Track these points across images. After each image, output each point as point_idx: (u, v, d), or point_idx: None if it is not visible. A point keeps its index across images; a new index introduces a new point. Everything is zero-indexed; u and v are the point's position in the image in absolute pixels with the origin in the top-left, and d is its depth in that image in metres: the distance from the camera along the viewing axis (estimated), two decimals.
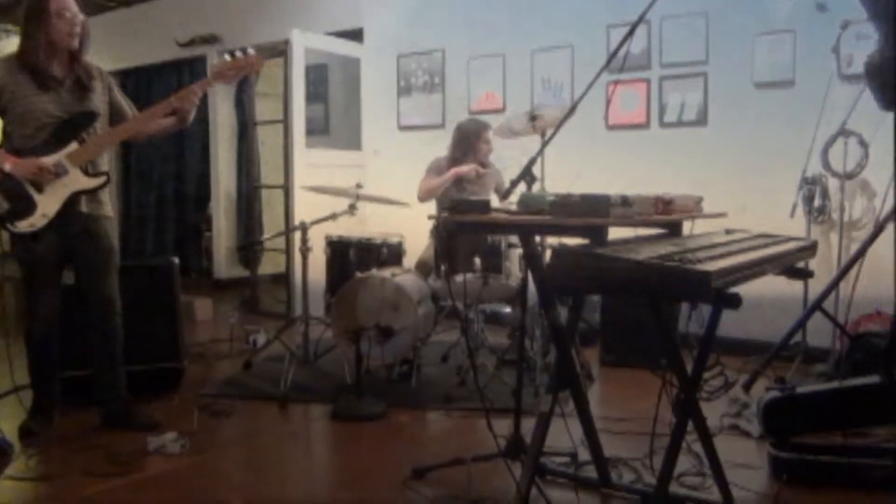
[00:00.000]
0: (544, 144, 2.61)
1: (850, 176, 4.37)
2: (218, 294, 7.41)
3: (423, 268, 4.50)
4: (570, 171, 4.10)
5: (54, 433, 3.31)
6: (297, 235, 4.42)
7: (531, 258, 2.19)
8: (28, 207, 3.11)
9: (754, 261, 1.98)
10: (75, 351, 3.48)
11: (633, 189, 2.46)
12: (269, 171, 6.76)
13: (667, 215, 2.44)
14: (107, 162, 3.38)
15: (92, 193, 3.25)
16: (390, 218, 4.72)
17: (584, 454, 2.87)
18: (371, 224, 4.63)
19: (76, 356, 3.49)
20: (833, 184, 4.45)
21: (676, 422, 2.21)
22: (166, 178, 8.18)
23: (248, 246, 6.01)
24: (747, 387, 3.96)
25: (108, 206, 3.38)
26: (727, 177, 4.73)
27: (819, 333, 4.33)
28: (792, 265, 2.47)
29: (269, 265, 7.16)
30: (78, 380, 3.55)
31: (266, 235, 6.03)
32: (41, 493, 2.79)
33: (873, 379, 3.01)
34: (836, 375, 3.78)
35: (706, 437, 2.49)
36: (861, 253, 3.88)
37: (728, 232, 2.67)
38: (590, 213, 2.02)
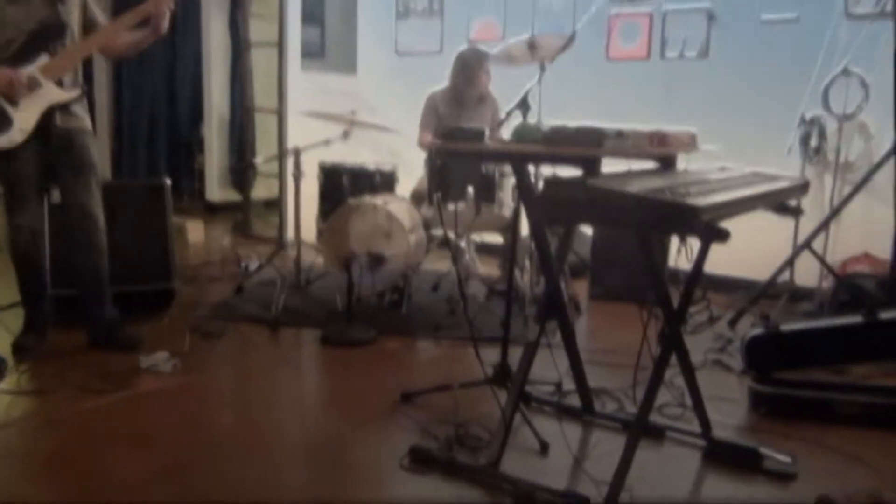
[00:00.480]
0: (542, 73, 2.57)
1: (848, 117, 4.34)
2: (210, 217, 7.40)
3: (416, 198, 4.50)
4: (567, 103, 4.05)
5: (47, 350, 3.35)
6: (290, 160, 4.39)
7: (523, 188, 2.19)
8: (4, 123, 3.07)
9: (746, 197, 1.98)
10: (63, 270, 3.49)
11: (630, 122, 2.44)
12: (262, 95, 6.65)
13: (661, 147, 2.43)
14: (81, 75, 3.31)
15: (68, 107, 3.20)
16: (385, 145, 4.68)
17: (569, 384, 2.94)
18: (365, 151, 4.58)
19: (68, 274, 3.52)
20: (831, 124, 4.42)
21: (660, 354, 2.24)
22: (158, 99, 8.04)
23: (241, 168, 5.96)
24: (732, 323, 4.03)
25: (87, 119, 3.32)
26: (725, 113, 4.67)
27: (807, 273, 4.37)
28: (783, 202, 2.47)
29: (262, 190, 7.13)
30: (71, 298, 3.58)
31: (259, 159, 5.97)
32: (36, 407, 2.84)
33: (856, 319, 3.06)
34: (820, 315, 3.84)
35: (688, 369, 2.55)
36: (853, 194, 3.90)
37: (722, 169, 2.66)
38: (583, 144, 2.01)
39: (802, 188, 2.57)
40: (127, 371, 3.15)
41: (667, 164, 2.46)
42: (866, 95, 4.26)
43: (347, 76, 6.41)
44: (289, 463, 2.48)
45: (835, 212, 4.00)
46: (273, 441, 2.64)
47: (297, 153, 4.24)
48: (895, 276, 3.86)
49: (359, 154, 4.50)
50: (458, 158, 3.88)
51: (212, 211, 7.75)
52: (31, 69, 3.08)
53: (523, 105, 2.91)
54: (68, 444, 2.54)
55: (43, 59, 3.10)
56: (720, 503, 2.31)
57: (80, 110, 3.28)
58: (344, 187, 4.39)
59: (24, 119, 3.09)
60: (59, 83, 3.16)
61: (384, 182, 4.45)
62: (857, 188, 3.91)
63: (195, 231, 6.14)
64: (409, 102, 4.68)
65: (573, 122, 2.17)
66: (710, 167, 2.68)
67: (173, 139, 8.11)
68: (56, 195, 3.36)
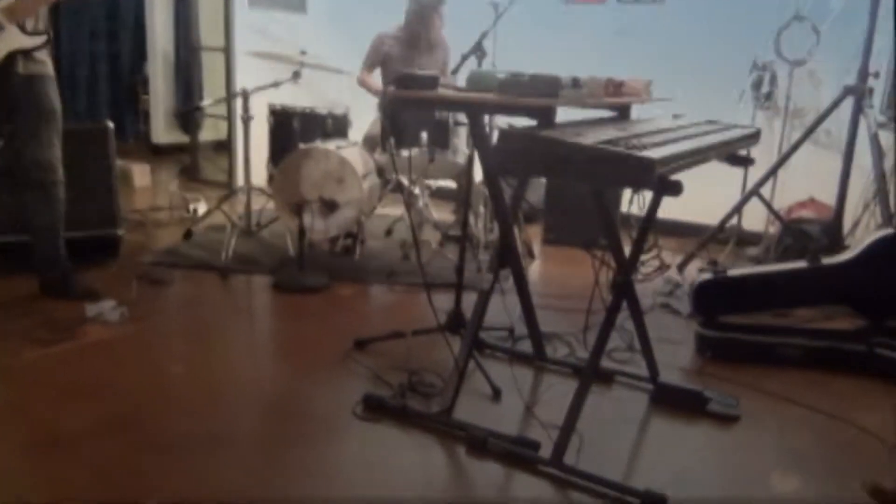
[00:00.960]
0: (498, 17, 2.52)
1: (799, 63, 4.37)
2: (156, 160, 7.17)
3: (369, 142, 4.43)
4: (524, 47, 4.00)
5: None
6: (239, 103, 4.26)
7: (478, 138, 2.16)
8: None
9: (698, 148, 1.99)
10: (9, 216, 3.38)
11: (586, 66, 2.41)
12: (209, 33, 6.41)
13: (617, 96, 2.42)
14: (45, 19, 3.13)
15: (30, 53, 3.05)
16: (336, 87, 4.57)
17: (521, 329, 2.97)
18: (317, 93, 4.46)
19: (10, 221, 3.41)
20: (782, 70, 4.45)
21: (612, 301, 2.27)
22: (99, 37, 7.66)
23: (188, 112, 5.77)
24: (681, 267, 4.11)
25: (49, 65, 3.17)
26: (680, 57, 4.68)
27: (755, 218, 4.46)
28: (735, 152, 2.49)
29: (210, 131, 6.92)
30: (12, 245, 3.47)
31: (206, 101, 5.78)
32: None
33: (801, 264, 3.14)
34: (766, 260, 3.93)
35: (639, 316, 2.59)
36: (799, 143, 3.96)
37: (676, 116, 2.67)
38: (539, 93, 1.98)
39: (753, 137, 2.60)
40: (73, 320, 3.08)
41: (623, 112, 2.45)
42: (817, 41, 4.29)
43: (297, 14, 6.20)
44: (241, 414, 2.46)
45: (782, 160, 4.06)
46: (224, 391, 2.61)
47: (245, 96, 4.11)
48: (839, 221, 3.96)
49: (311, 96, 4.38)
50: (410, 105, 3.82)
51: (158, 153, 7.50)
52: None
53: (478, 50, 2.86)
54: (11, 396, 2.48)
55: (4, 2, 2.92)
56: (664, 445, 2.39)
57: (44, 55, 3.13)
58: (294, 131, 4.29)
59: None
60: (23, 28, 2.99)
61: (336, 126, 4.36)
62: (804, 137, 3.97)
63: (141, 175, 5.96)
64: (363, 41, 4.56)
65: (530, 69, 2.14)
66: (665, 115, 2.69)
67: (115, 80, 7.78)
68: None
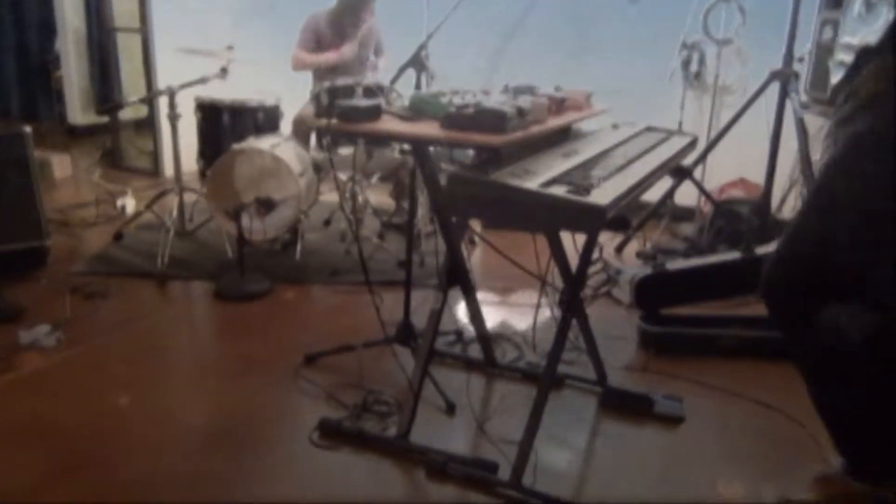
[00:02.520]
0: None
1: (726, 42, 4.45)
2: (74, 144, 6.87)
3: (300, 125, 4.31)
4: (452, 45, 3.94)
5: None
6: (164, 100, 4.08)
7: (426, 175, 2.13)
8: None
9: (642, 179, 2.01)
10: None
11: (516, 68, 2.37)
12: (122, 10, 6.09)
13: (560, 115, 2.43)
14: None
15: None
16: (264, 78, 4.43)
17: (468, 330, 2.99)
18: (243, 86, 4.30)
19: None
20: (710, 49, 4.52)
21: (561, 320, 2.32)
22: (2, 14, 7.21)
23: (110, 109, 5.50)
24: (619, 249, 4.19)
25: None
26: (612, 40, 4.72)
27: (687, 194, 4.57)
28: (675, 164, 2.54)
29: (129, 111, 6.63)
30: None
31: (126, 92, 5.55)
32: None
33: (735, 255, 3.24)
34: (700, 241, 4.04)
35: (585, 327, 2.65)
36: (728, 128, 4.06)
37: (615, 127, 2.70)
38: (485, 128, 1.96)
39: (692, 146, 2.65)
40: (6, 348, 2.95)
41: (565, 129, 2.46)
42: (743, 20, 4.36)
43: None
44: (197, 449, 2.38)
45: (711, 145, 4.17)
46: (173, 423, 2.53)
47: (171, 94, 3.93)
48: (768, 201, 4.10)
49: (236, 87, 4.22)
50: (345, 97, 3.74)
51: (75, 135, 7.19)
52: None
53: (416, 63, 2.80)
54: None
55: None
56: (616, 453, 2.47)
57: None
58: (224, 125, 4.16)
59: None
60: None
61: (268, 119, 4.24)
62: (733, 121, 4.07)
63: (61, 165, 5.70)
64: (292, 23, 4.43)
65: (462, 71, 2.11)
66: (605, 126, 2.71)
67: (23, 58, 7.34)
68: None
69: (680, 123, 4.58)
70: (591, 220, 1.72)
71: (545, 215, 1.75)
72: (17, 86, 7.24)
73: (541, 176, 1.89)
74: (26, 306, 3.24)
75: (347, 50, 4.18)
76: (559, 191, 1.79)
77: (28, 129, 3.70)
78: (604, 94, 2.79)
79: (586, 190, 1.79)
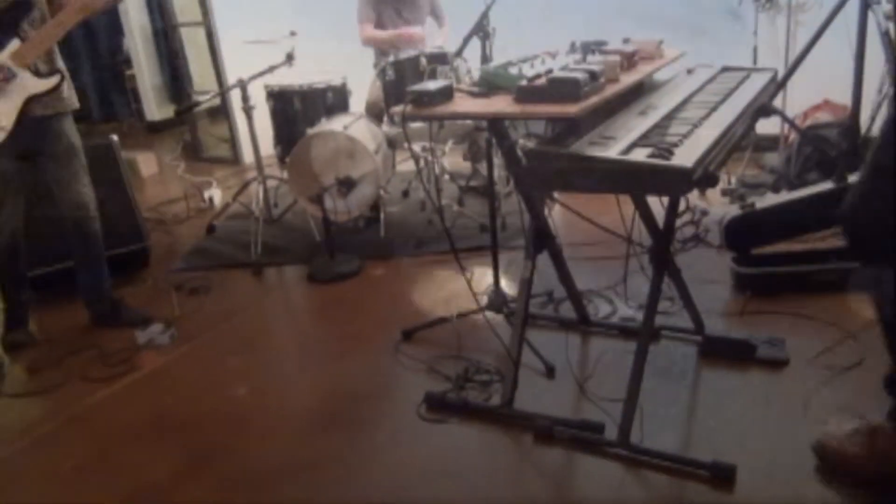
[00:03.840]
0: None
1: None
2: (155, 140, 7.14)
3: (372, 109, 4.37)
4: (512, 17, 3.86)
5: (40, 338, 3.32)
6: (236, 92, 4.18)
7: (506, 152, 2.14)
8: None
9: (726, 130, 1.98)
10: (43, 248, 3.43)
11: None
12: (183, 7, 6.22)
13: (632, 70, 2.39)
14: (58, 56, 3.03)
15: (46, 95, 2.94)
16: (325, 58, 4.47)
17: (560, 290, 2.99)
18: (304, 68, 4.35)
19: (44, 254, 3.46)
20: None
21: (653, 276, 2.30)
22: None
23: (188, 109, 5.67)
24: (703, 190, 4.10)
25: (67, 100, 3.06)
26: None
27: (768, 122, 4.37)
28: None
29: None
30: (48, 277, 3.52)
31: (197, 84, 5.69)
32: (46, 407, 2.81)
33: (827, 186, 3.14)
34: (787, 172, 3.91)
35: (679, 282, 2.62)
36: (808, 49, 3.85)
37: (689, 72, 2.63)
38: (559, 99, 1.95)
39: (772, 81, 2.56)
40: (126, 350, 3.14)
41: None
42: None
43: None
44: (314, 433, 2.50)
45: (789, 72, 3.96)
46: (288, 409, 2.67)
47: (243, 87, 4.03)
48: (856, 122, 3.90)
49: (302, 71, 4.28)
50: (411, 70, 3.76)
51: (155, 131, 7.46)
52: (1, 58, 2.82)
53: (480, 30, 2.78)
54: (89, 446, 2.53)
55: (14, 45, 2.83)
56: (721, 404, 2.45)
57: (62, 92, 3.02)
58: (296, 110, 4.25)
59: (3, 115, 2.84)
60: (36, 71, 2.90)
61: (337, 99, 4.30)
62: (812, 43, 3.84)
63: (147, 164, 5.94)
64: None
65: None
66: (679, 72, 2.64)
67: (96, 61, 7.62)
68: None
69: (755, 50, 4.39)
70: (678, 182, 1.71)
71: (629, 182, 1.75)
72: (93, 89, 7.54)
73: (621, 141, 1.88)
74: (150, 315, 3.37)
75: (419, 29, 4.25)
76: (641, 155, 1.78)
77: (115, 137, 3.87)
78: (669, 29, 2.68)
79: (669, 151, 1.78)
